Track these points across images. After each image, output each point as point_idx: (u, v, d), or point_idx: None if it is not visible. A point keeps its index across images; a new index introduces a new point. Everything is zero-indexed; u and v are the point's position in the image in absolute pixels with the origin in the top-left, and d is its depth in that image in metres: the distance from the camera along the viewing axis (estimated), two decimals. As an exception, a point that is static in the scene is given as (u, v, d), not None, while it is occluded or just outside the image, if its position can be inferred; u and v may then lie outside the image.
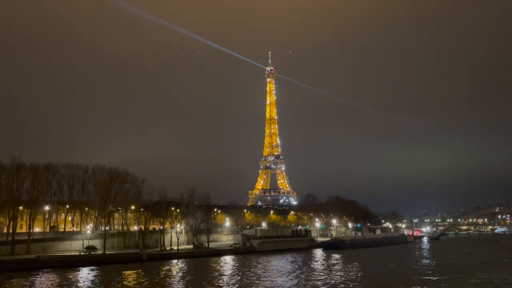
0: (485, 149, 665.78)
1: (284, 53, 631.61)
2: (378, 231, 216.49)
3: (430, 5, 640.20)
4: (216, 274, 76.99)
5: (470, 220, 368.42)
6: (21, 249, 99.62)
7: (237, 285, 63.49)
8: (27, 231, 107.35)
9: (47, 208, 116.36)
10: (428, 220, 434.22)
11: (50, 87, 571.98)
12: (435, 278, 67.76)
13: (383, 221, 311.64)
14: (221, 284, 64.02)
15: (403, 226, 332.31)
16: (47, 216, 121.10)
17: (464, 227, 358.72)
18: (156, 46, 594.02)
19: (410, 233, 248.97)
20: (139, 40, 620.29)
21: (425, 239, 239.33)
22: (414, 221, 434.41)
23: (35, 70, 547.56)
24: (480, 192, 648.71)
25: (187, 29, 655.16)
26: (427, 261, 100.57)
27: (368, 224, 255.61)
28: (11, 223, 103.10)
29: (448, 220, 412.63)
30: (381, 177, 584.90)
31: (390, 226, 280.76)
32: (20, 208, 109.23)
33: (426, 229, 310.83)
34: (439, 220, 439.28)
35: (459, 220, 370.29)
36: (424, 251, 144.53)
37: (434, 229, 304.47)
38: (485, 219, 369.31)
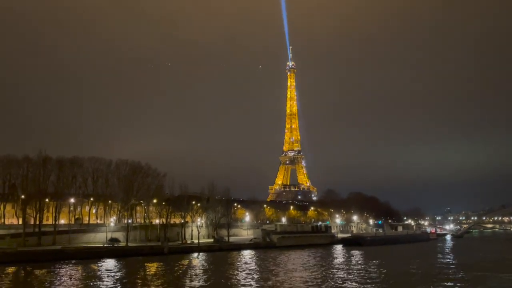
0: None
1: (302, 45, 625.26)
2: (400, 228, 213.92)
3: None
4: (238, 268, 77.51)
5: (496, 218, 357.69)
6: (47, 240, 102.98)
7: (259, 279, 63.68)
8: (53, 222, 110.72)
9: (72, 200, 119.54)
10: (452, 218, 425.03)
11: (75, 82, 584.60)
12: (457, 276, 66.51)
13: (405, 218, 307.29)
14: (244, 278, 64.37)
15: (426, 223, 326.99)
16: (72, 208, 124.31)
17: (489, 225, 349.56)
18: (172, 43, 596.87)
19: (432, 231, 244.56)
20: (156, 36, 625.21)
21: (448, 237, 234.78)
22: (437, 218, 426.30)
23: (58, 66, 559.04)
24: (506, 189, 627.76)
25: (195, 23, 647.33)
26: (450, 259, 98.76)
27: (390, 221, 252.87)
28: (38, 215, 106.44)
29: (472, 218, 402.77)
30: (404, 174, 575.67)
31: (412, 223, 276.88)
32: (47, 200, 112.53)
33: (450, 226, 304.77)
34: (463, 218, 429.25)
35: (484, 218, 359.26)
36: (446, 249, 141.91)
37: (458, 227, 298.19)
38: (511, 218, 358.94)
